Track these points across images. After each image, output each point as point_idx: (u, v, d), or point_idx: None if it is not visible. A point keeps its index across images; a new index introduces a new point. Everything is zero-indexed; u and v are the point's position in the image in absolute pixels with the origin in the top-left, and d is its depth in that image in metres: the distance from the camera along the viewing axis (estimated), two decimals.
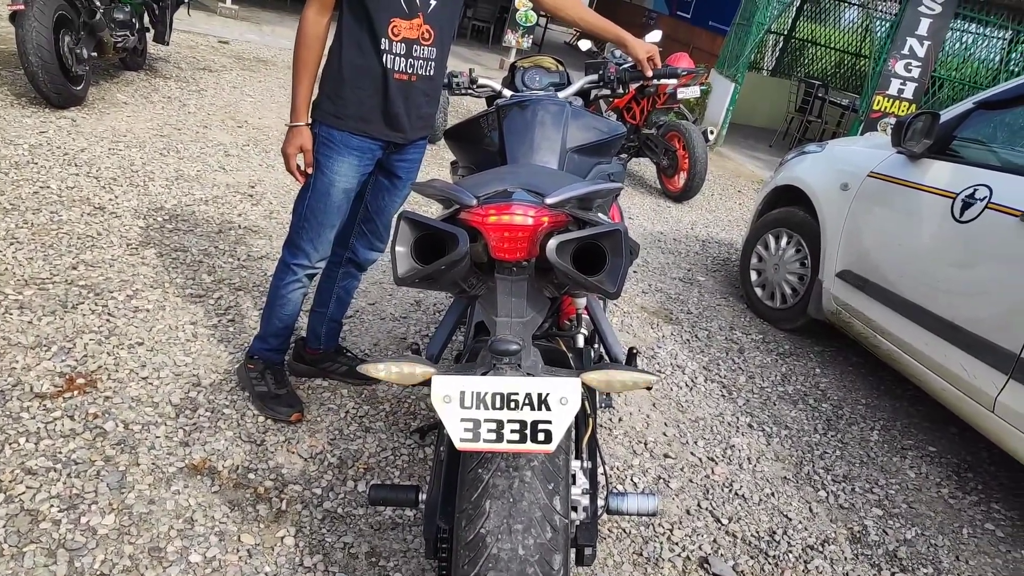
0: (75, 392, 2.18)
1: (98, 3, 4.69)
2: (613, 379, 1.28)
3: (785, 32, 12.06)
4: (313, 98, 2.01)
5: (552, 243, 1.25)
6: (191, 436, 2.11)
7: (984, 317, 2.59)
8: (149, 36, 5.80)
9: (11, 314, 2.47)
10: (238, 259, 3.23)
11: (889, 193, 3.13)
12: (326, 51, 1.98)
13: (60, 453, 1.93)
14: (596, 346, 1.91)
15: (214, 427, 2.17)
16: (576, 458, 1.52)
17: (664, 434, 2.65)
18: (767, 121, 11.27)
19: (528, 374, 1.27)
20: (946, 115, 3.01)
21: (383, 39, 1.88)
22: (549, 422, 1.22)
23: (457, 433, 1.22)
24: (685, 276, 4.31)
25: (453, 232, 1.26)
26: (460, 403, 1.23)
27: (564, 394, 1.21)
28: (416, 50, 1.93)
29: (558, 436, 1.21)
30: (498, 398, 1.22)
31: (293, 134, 1.98)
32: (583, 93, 2.34)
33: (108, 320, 2.57)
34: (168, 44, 5.85)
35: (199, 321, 2.70)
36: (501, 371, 1.29)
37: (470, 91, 2.35)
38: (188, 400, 2.27)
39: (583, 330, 1.81)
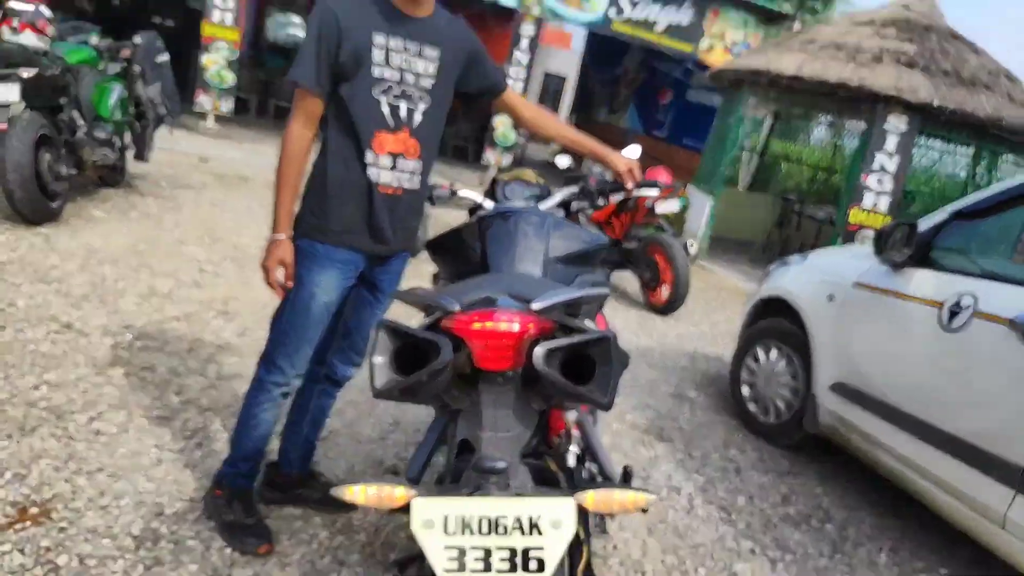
0: (28, 523, 1.99)
1: (80, 122, 4.74)
2: (610, 499, 1.21)
3: (759, 150, 12.59)
4: (296, 212, 1.95)
5: (539, 351, 1.20)
6: (151, 571, 1.92)
7: (985, 429, 2.50)
8: (129, 154, 5.85)
9: None
10: (208, 378, 3.08)
11: (876, 303, 3.11)
12: (309, 165, 1.95)
13: None
14: (588, 465, 1.79)
15: (176, 561, 1.97)
16: None
17: (663, 562, 2.46)
18: (747, 235, 11.55)
19: (517, 494, 1.18)
20: (924, 224, 3.04)
21: (368, 152, 1.86)
22: (541, 548, 1.13)
23: (441, 563, 1.12)
24: (675, 392, 4.20)
25: (434, 340, 1.19)
26: (444, 529, 1.14)
27: (557, 516, 1.13)
28: (401, 163, 1.92)
29: (551, 564, 1.12)
30: (485, 522, 1.13)
31: (274, 247, 1.91)
32: (564, 205, 2.34)
33: (68, 444, 2.39)
34: (148, 161, 5.90)
35: (164, 445, 2.52)
36: (488, 491, 1.20)
37: (451, 203, 2.35)
38: (149, 531, 2.07)
39: (573, 447, 1.69)
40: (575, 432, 1.72)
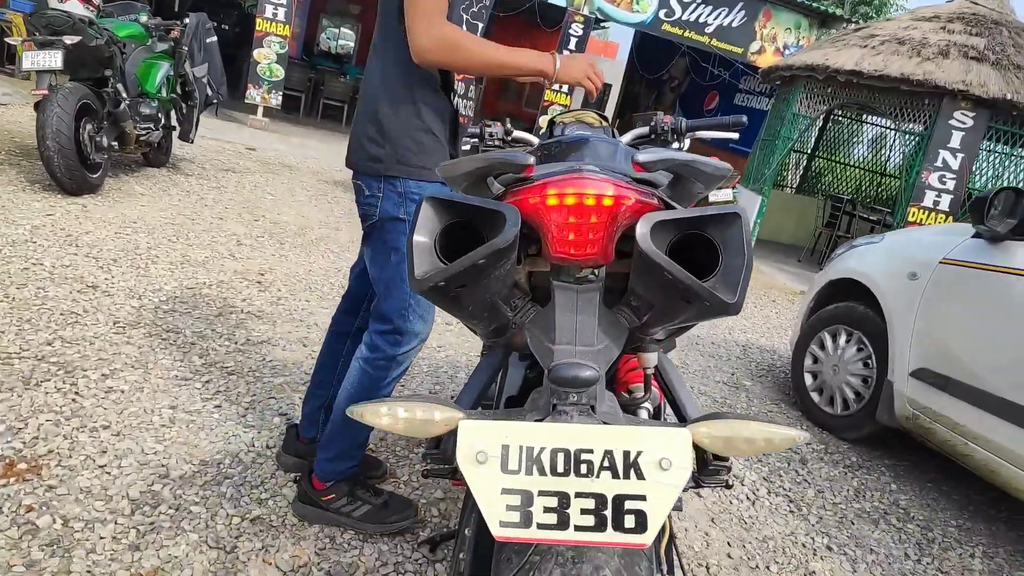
0: (12, 479, 1.79)
1: (124, 95, 4.66)
2: (741, 433, 0.86)
3: (808, 151, 12.14)
4: (379, 153, 1.70)
5: (644, 224, 0.90)
6: (144, 538, 1.69)
7: None
8: (175, 135, 5.79)
9: None
10: (235, 343, 2.89)
11: (970, 280, 2.77)
12: (369, 102, 1.72)
13: None
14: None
15: (176, 528, 1.76)
16: (657, 571, 1.05)
17: (729, 555, 2.17)
18: (794, 238, 11.10)
19: (604, 423, 0.88)
20: None
21: (454, 78, 1.71)
22: (643, 498, 0.80)
23: (496, 513, 0.81)
24: (729, 380, 3.89)
25: (498, 209, 0.92)
26: (502, 464, 0.83)
27: (667, 453, 0.81)
28: (468, 91, 1.72)
29: (655, 522, 0.80)
30: (562, 457, 0.82)
31: (566, 59, 1.73)
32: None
33: (74, 400, 2.21)
34: (192, 142, 5.82)
35: (180, 405, 2.34)
36: (566, 416, 0.90)
37: (503, 144, 2.09)
38: (150, 494, 1.87)
39: (647, 403, 1.40)
40: (653, 384, 1.44)
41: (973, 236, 2.90)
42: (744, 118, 1.97)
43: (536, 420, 0.91)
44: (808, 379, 3.60)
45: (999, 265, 2.66)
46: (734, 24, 12.14)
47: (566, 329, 1.00)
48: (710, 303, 0.91)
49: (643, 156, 1.01)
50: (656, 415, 1.48)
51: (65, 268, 3.21)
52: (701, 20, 11.90)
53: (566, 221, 0.96)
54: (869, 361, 3.25)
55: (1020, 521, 2.86)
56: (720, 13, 11.96)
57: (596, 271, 1.05)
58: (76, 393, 2.25)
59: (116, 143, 4.75)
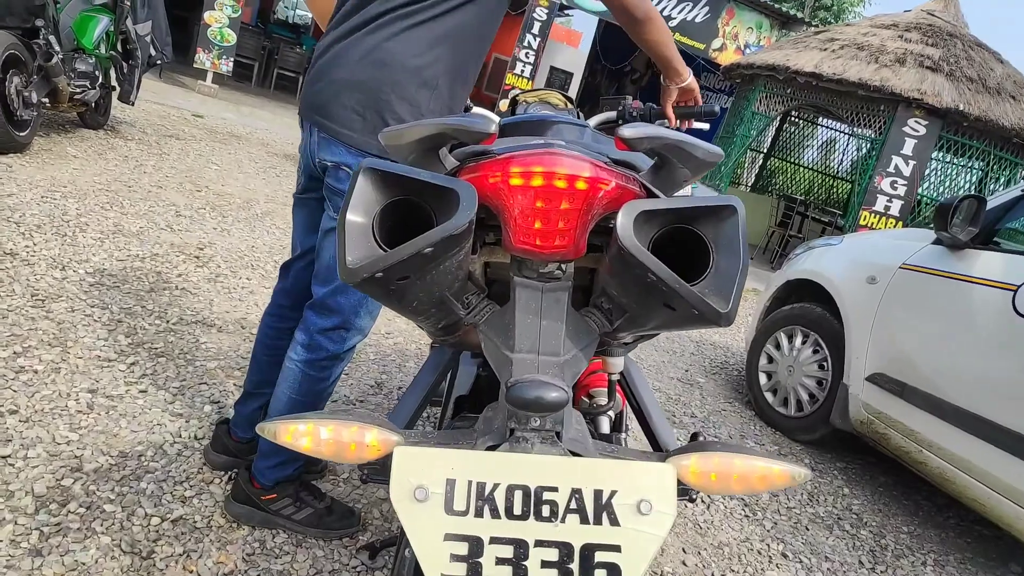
0: None
1: (57, 48, 4.33)
2: (734, 470, 0.74)
3: (764, 151, 12.27)
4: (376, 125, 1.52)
5: (627, 214, 0.76)
6: (48, 541, 1.51)
7: None
8: (115, 96, 5.44)
9: None
10: (167, 322, 2.69)
11: (930, 286, 2.75)
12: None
13: None
14: (625, 433, 1.40)
15: (86, 529, 1.58)
16: None
17: (684, 563, 2.09)
18: (748, 236, 11.23)
19: (572, 453, 0.75)
20: (993, 201, 2.69)
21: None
22: (618, 548, 0.67)
23: (436, 564, 0.67)
24: (683, 376, 3.84)
25: (452, 187, 0.77)
26: (446, 503, 0.69)
27: (647, 494, 0.69)
28: None
29: None
30: (519, 495, 0.68)
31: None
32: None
33: None
34: (133, 104, 5.48)
35: (100, 389, 2.13)
36: (525, 444, 0.76)
37: None
38: (58, 490, 1.68)
39: (611, 408, 1.28)
40: (617, 391, 1.32)
41: (933, 242, 2.88)
42: (716, 107, 1.87)
43: (489, 446, 0.77)
44: (763, 379, 3.56)
45: (959, 273, 2.64)
46: (697, 19, 12.15)
47: (528, 335, 0.86)
48: (699, 311, 0.77)
49: (628, 131, 0.85)
50: (617, 424, 1.37)
51: None
52: (665, 13, 11.86)
53: (532, 206, 0.80)
54: (825, 363, 3.23)
55: (968, 528, 2.87)
56: (684, 8, 11.95)
57: (564, 267, 0.91)
58: None
59: (47, 100, 4.41)
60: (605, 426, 1.30)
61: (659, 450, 1.16)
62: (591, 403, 1.33)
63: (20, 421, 1.88)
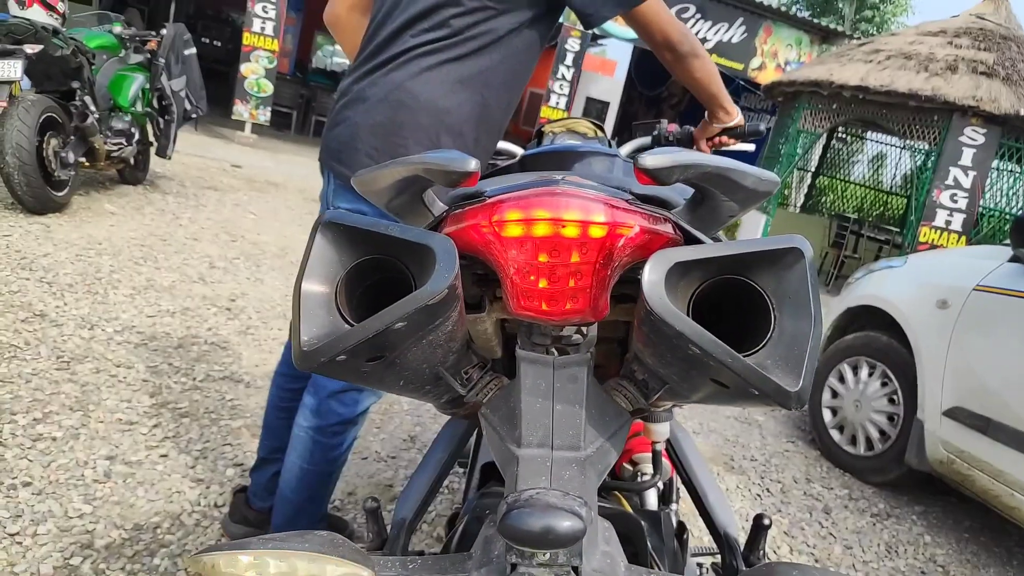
0: None
1: (93, 108, 4.40)
2: None
3: (812, 169, 11.92)
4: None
5: (655, 268, 0.60)
6: None
7: None
8: (152, 151, 5.52)
9: None
10: (193, 379, 2.60)
11: (1011, 309, 2.49)
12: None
13: None
14: (675, 506, 1.21)
15: None
16: None
17: None
18: None
19: None
20: None
21: None
22: None
23: None
24: (740, 415, 3.60)
25: (424, 243, 0.62)
26: None
27: None
28: None
29: None
30: None
31: None
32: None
33: None
34: (170, 158, 5.55)
35: (119, 455, 2.04)
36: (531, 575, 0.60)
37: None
38: (65, 570, 1.57)
39: (658, 480, 1.09)
40: (664, 457, 1.14)
41: (1010, 259, 2.63)
42: (761, 126, 1.69)
43: None
44: (827, 415, 3.30)
45: None
46: (734, 40, 11.98)
47: (537, 424, 0.69)
48: (759, 391, 0.60)
49: (651, 159, 0.67)
50: (666, 496, 1.19)
51: (13, 294, 2.92)
52: (700, 36, 11.72)
53: (534, 260, 0.65)
54: (895, 397, 2.96)
55: None
56: (720, 28, 11.80)
57: (584, 329, 0.75)
58: None
59: (85, 159, 4.48)
60: (652, 500, 1.12)
61: (715, 531, 0.98)
62: (634, 471, 1.15)
63: (33, 494, 1.79)
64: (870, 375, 3.12)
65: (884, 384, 3.04)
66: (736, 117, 1.56)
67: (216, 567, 0.59)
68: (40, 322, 2.74)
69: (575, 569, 0.61)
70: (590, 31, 10.88)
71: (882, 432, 3.02)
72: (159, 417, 2.29)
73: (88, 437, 2.09)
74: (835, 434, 3.24)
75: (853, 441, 3.15)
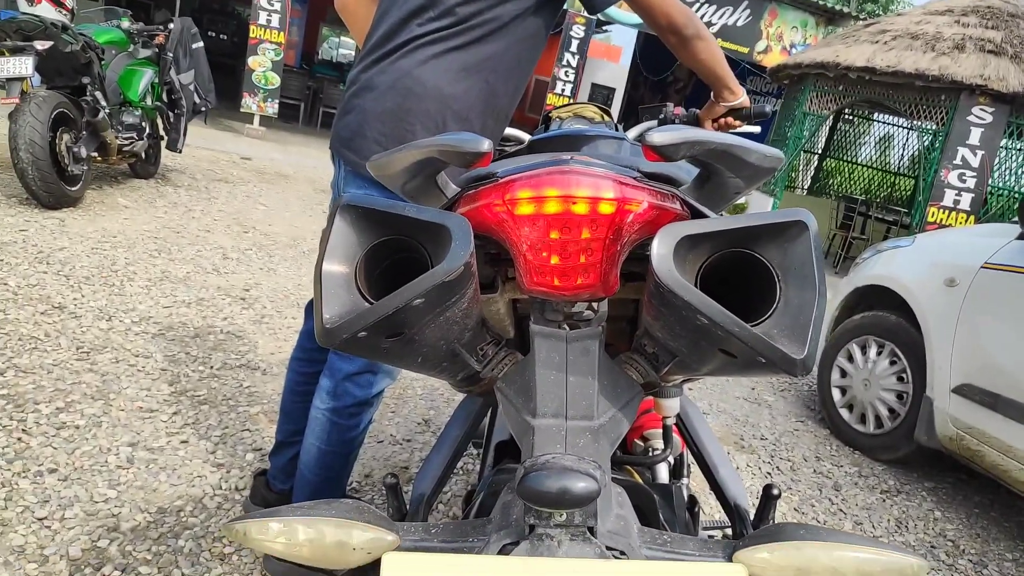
0: None
1: (103, 103, 4.44)
2: (820, 565, 0.59)
3: (819, 152, 11.86)
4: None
5: (664, 242, 0.62)
6: None
7: None
8: (163, 144, 5.57)
9: None
10: (210, 367, 2.65)
11: (1018, 286, 2.50)
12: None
13: None
14: (686, 480, 1.24)
15: None
16: None
17: None
18: None
19: (611, 551, 0.61)
20: None
21: None
22: None
23: None
24: (750, 396, 3.62)
25: (440, 222, 0.65)
26: None
27: None
28: None
29: None
30: None
31: None
32: None
33: (19, 439, 1.96)
34: (180, 152, 5.59)
35: (141, 442, 2.09)
36: (549, 542, 0.63)
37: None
38: (93, 552, 1.61)
39: (669, 454, 1.12)
40: (675, 433, 1.17)
41: (1018, 237, 2.64)
42: (767, 107, 1.71)
43: (506, 544, 0.63)
44: (836, 394, 3.33)
45: None
46: (739, 23, 11.91)
47: (552, 396, 0.71)
48: (766, 359, 0.62)
49: (659, 135, 0.69)
50: (677, 470, 1.22)
51: (31, 288, 2.98)
52: (705, 19, 11.64)
53: (545, 238, 0.67)
54: (904, 375, 2.98)
55: None
56: (725, 12, 11.73)
57: (595, 305, 0.77)
58: (23, 431, 2.00)
59: (97, 154, 4.52)
60: (663, 474, 1.15)
61: (726, 503, 1.01)
62: (646, 447, 1.18)
63: (59, 480, 1.84)
64: (879, 354, 3.13)
65: (893, 363, 3.06)
66: (741, 96, 1.58)
67: (248, 534, 0.63)
68: (59, 314, 2.79)
69: (591, 529, 0.64)
70: (594, 17, 10.85)
71: (891, 410, 3.04)
72: (178, 405, 2.34)
73: (110, 425, 2.14)
74: (844, 413, 3.26)
75: (863, 419, 3.17)
